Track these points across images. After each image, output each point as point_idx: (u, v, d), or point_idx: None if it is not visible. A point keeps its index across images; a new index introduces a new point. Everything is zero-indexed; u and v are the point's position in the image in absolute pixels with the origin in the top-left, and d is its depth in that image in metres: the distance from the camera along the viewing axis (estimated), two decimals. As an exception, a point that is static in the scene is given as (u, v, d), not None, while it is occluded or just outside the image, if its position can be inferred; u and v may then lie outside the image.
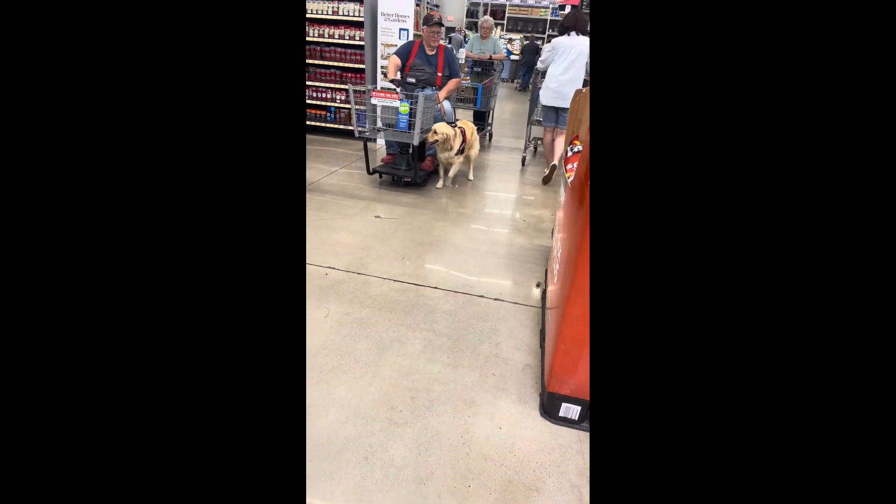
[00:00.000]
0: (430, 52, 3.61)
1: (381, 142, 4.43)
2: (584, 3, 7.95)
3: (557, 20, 14.18)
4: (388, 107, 3.23)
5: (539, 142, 4.56)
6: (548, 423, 1.43)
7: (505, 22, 14.81)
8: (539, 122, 3.81)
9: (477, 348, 1.75)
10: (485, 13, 13.68)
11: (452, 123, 3.56)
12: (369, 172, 3.59)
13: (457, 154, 3.46)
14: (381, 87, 3.46)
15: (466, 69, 5.38)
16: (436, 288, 2.14)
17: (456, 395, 1.51)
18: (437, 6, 5.53)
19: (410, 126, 3.21)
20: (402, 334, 1.79)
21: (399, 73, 3.57)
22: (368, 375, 1.56)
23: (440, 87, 3.63)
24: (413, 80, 3.27)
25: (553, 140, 3.56)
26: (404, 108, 3.15)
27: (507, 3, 14.84)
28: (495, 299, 2.09)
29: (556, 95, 3.38)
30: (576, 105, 1.91)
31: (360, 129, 3.38)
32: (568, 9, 12.14)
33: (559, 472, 1.26)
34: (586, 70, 3.25)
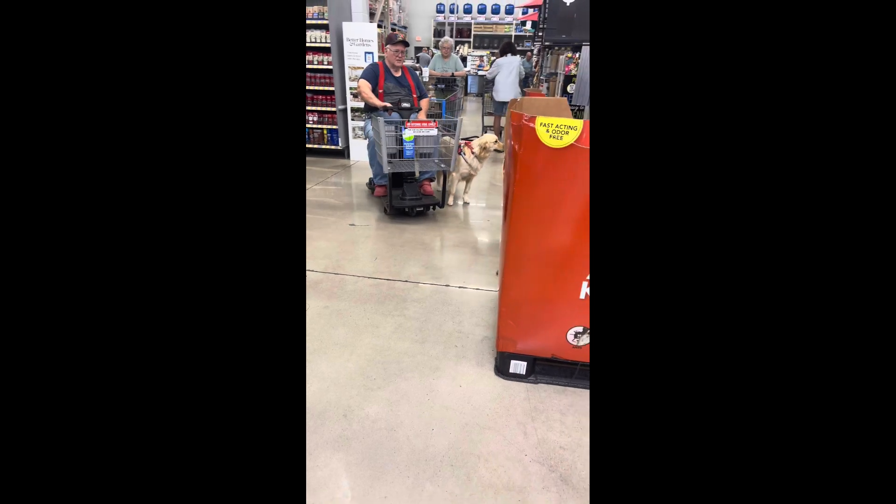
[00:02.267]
0: (396, 74, 3.42)
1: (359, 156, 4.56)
2: (542, 20, 8.51)
3: (521, 35, 14.81)
4: (424, 136, 3.01)
5: (490, 129, 6.17)
6: (501, 379, 1.67)
7: (472, 39, 15.38)
8: (491, 114, 5.95)
9: (442, 327, 2.00)
10: (451, 32, 14.23)
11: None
12: (388, 212, 3.29)
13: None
14: (412, 118, 3.15)
15: (431, 86, 5.71)
16: (406, 281, 2.39)
17: (423, 364, 1.75)
18: (406, 28, 5.84)
19: (418, 154, 3.05)
20: (376, 320, 2.03)
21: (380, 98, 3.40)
22: (346, 354, 1.79)
23: (419, 110, 3.52)
24: (408, 105, 3.23)
25: (502, 122, 5.38)
26: (409, 136, 2.95)
27: (473, 21, 15.44)
28: (459, 287, 2.35)
29: (503, 95, 5.47)
30: (509, 114, 2.21)
31: (389, 161, 2.98)
32: (528, 24, 12.66)
33: (508, 414, 1.51)
34: (519, 75, 5.48)
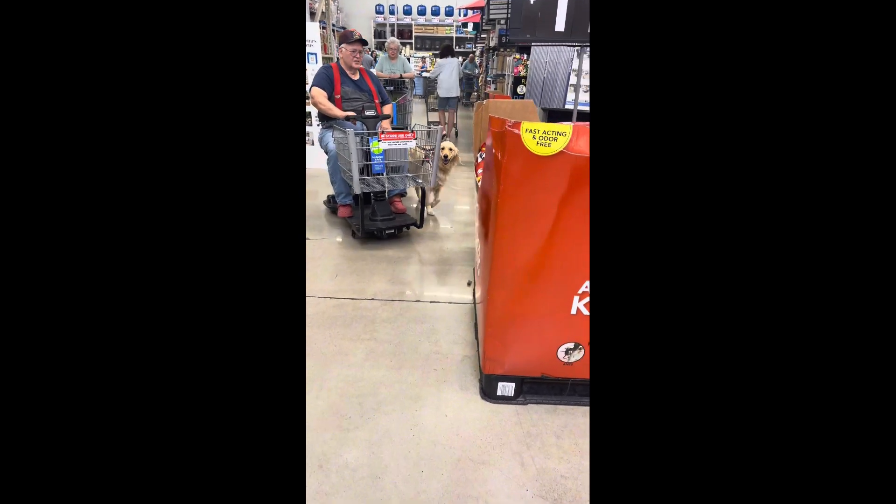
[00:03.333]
0: (354, 77, 2.99)
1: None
2: (484, 21, 8.54)
3: (462, 37, 14.90)
4: (397, 150, 2.65)
5: (436, 123, 6.85)
6: (488, 403, 1.56)
7: (413, 41, 15.26)
8: (435, 110, 6.57)
9: (418, 349, 1.85)
10: (392, 33, 14.02)
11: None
12: (358, 235, 2.84)
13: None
14: (386, 129, 2.81)
15: (379, 89, 5.53)
16: (372, 299, 2.21)
17: (402, 393, 1.59)
18: (344, 28, 5.59)
19: (389, 169, 2.67)
20: (344, 347, 1.84)
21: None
22: (314, 389, 1.59)
23: (385, 115, 3.11)
24: (374, 113, 2.75)
25: (447, 117, 6.29)
26: (377, 146, 2.55)
27: (413, 22, 15.32)
28: (431, 302, 2.21)
29: (447, 92, 6.06)
30: (479, 117, 2.11)
31: (361, 179, 2.54)
32: (470, 26, 12.79)
33: (501, 443, 1.39)
34: (460, 74, 6.16)
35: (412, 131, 2.60)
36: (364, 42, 2.91)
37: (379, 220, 2.81)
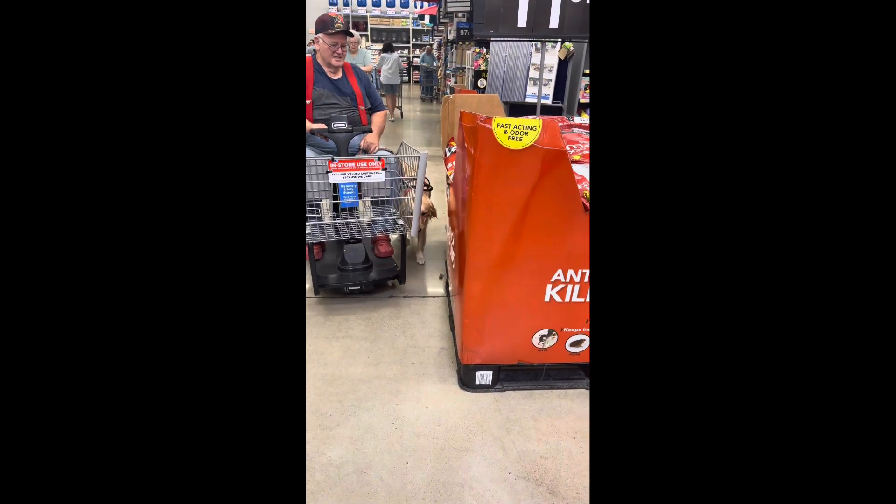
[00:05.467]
0: (335, 76, 2.24)
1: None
2: (441, 14, 8.53)
3: (418, 29, 14.80)
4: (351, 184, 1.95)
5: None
6: (467, 392, 1.59)
7: (368, 33, 14.99)
8: (383, 94, 7.27)
9: (394, 343, 1.86)
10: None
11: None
12: (316, 293, 2.12)
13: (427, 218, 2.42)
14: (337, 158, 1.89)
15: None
16: (345, 296, 2.20)
17: (382, 388, 1.60)
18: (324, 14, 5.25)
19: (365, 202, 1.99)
20: (319, 346, 1.82)
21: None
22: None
23: (367, 128, 2.24)
24: (344, 126, 1.96)
25: (391, 102, 7.52)
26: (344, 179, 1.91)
27: (368, 14, 15.04)
28: (405, 297, 2.22)
29: (388, 80, 7.56)
30: (446, 111, 2.13)
31: (313, 227, 1.92)
32: (427, 18, 12.71)
33: (482, 430, 1.44)
34: (399, 66, 7.68)
35: (379, 158, 1.88)
36: (349, 34, 2.19)
37: (349, 269, 2.07)
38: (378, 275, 2.11)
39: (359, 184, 1.95)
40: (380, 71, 7.56)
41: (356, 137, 2.22)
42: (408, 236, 2.27)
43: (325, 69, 2.23)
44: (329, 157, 1.89)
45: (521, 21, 1.91)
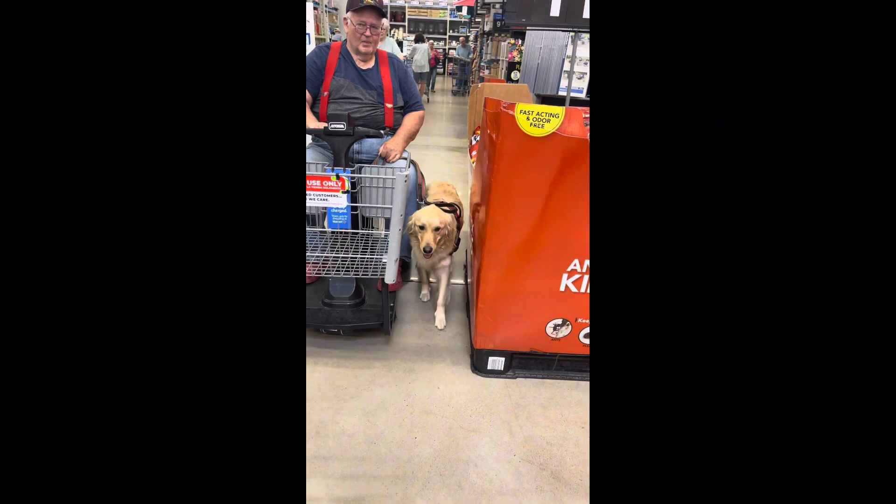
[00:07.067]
0: (365, 65, 1.91)
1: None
2: (479, 5, 8.50)
3: (456, 21, 14.73)
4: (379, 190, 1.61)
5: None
6: (479, 377, 1.62)
7: (406, 24, 15.04)
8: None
9: (412, 326, 1.90)
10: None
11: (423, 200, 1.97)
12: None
13: (450, 254, 1.83)
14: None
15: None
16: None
17: (396, 367, 1.65)
18: (336, 9, 5.32)
19: (354, 224, 1.64)
20: (339, 323, 1.89)
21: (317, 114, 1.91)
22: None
23: (392, 131, 1.93)
24: (343, 128, 1.53)
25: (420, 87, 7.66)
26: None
27: (406, 4, 15.08)
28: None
29: (419, 68, 8.41)
30: (474, 100, 2.14)
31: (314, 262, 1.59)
32: (464, 10, 12.64)
33: (491, 413, 1.46)
34: (428, 56, 8.65)
35: (339, 177, 1.48)
36: (382, 14, 1.81)
37: (332, 305, 1.72)
38: (357, 319, 1.67)
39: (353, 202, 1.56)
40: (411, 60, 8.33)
41: (374, 142, 1.89)
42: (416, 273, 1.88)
43: (354, 57, 1.90)
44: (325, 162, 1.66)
45: (555, 10, 1.89)
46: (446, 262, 1.84)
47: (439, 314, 1.90)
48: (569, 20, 1.95)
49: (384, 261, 1.52)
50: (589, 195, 1.26)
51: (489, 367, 1.62)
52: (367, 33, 1.81)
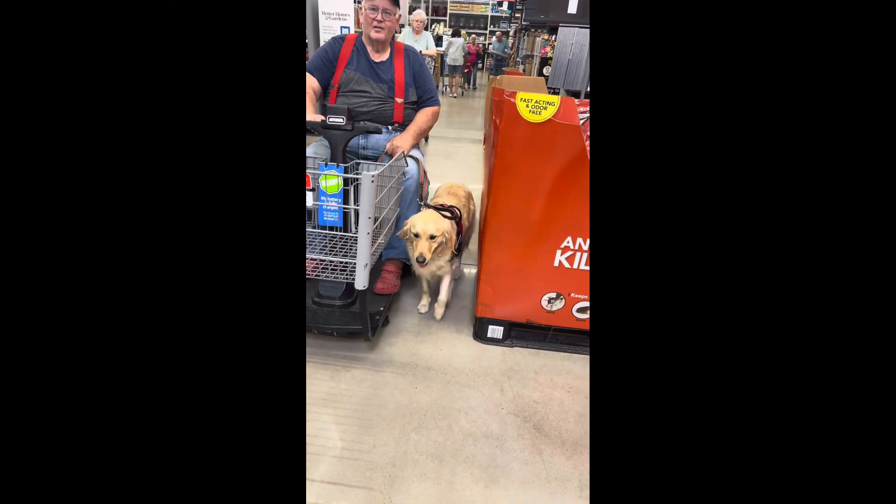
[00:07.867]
0: (379, 57, 1.86)
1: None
2: (520, 1, 8.63)
3: (497, 16, 14.73)
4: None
5: (450, 86, 9.39)
6: (479, 343, 1.78)
7: (448, 18, 15.17)
8: (447, 74, 9.11)
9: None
10: (426, 9, 13.98)
11: (425, 202, 1.90)
12: None
13: (450, 259, 1.77)
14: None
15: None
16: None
17: (405, 330, 1.83)
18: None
19: (347, 224, 1.60)
20: (358, 291, 2.09)
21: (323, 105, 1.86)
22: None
23: (402, 127, 1.90)
24: (341, 122, 1.50)
25: (453, 80, 9.13)
26: (331, 183, 1.48)
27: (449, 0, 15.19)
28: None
29: (453, 62, 8.85)
30: (490, 91, 2.28)
31: (313, 260, 1.59)
32: (505, 5, 12.60)
33: (486, 374, 1.62)
34: (463, 50, 8.95)
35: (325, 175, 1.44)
36: (395, 3, 1.78)
37: (320, 304, 1.68)
38: (342, 321, 1.60)
39: (344, 199, 1.52)
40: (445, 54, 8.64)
41: (381, 138, 1.85)
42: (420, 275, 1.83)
43: (368, 48, 1.85)
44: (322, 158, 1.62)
45: (572, 7, 1.99)
46: (447, 269, 1.79)
47: (439, 310, 1.90)
48: (586, 17, 2.05)
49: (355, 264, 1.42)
50: (579, 177, 1.39)
51: (489, 335, 1.77)
52: (379, 17, 1.76)
